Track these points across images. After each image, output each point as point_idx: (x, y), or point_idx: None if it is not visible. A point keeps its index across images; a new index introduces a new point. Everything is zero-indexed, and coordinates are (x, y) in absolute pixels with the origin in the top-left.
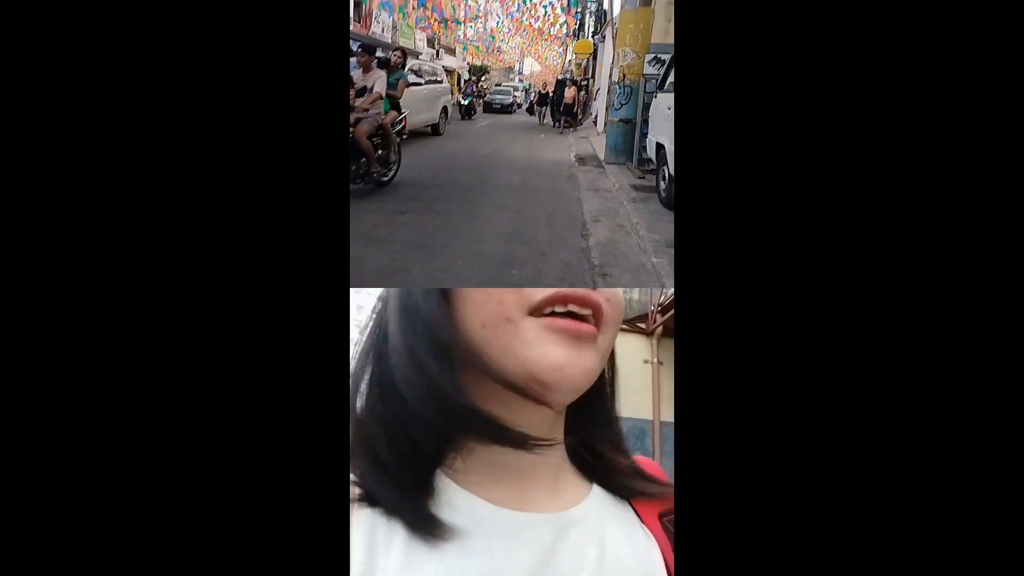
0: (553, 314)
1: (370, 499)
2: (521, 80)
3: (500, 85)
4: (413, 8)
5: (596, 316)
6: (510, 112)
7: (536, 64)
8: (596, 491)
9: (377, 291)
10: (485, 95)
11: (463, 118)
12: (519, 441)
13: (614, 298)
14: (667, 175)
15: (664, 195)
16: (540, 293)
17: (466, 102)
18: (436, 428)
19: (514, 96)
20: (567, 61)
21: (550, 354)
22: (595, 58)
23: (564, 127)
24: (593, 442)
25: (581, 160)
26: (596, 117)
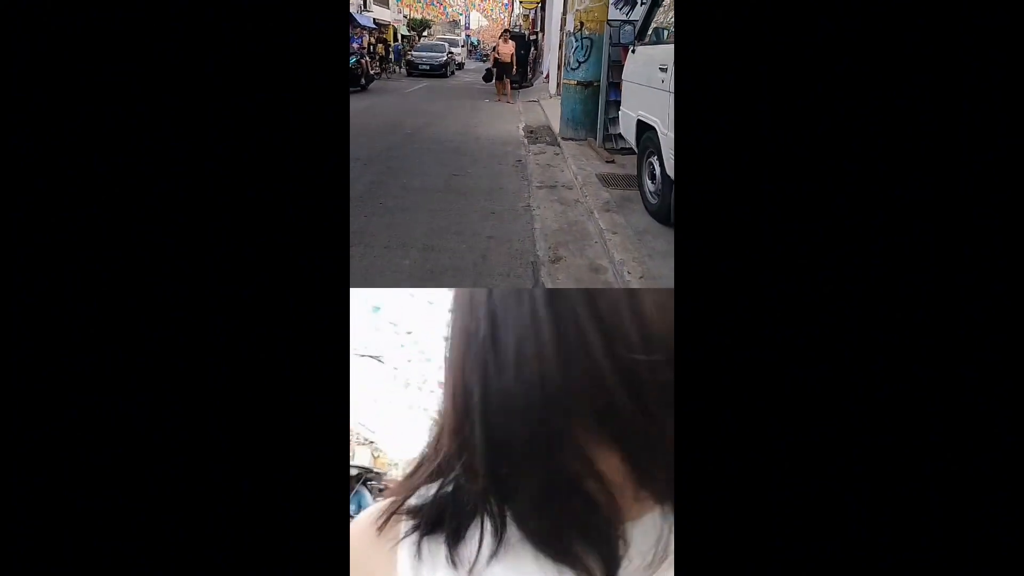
0: None
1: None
2: (468, 35)
3: (427, 38)
4: None
5: None
6: (444, 76)
7: (483, 19)
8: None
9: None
10: (405, 54)
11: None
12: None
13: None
14: (656, 172)
15: (654, 202)
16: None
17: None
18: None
19: (449, 55)
20: (515, 15)
21: None
22: (543, 8)
23: (500, 95)
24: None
25: (532, 134)
26: (548, 75)
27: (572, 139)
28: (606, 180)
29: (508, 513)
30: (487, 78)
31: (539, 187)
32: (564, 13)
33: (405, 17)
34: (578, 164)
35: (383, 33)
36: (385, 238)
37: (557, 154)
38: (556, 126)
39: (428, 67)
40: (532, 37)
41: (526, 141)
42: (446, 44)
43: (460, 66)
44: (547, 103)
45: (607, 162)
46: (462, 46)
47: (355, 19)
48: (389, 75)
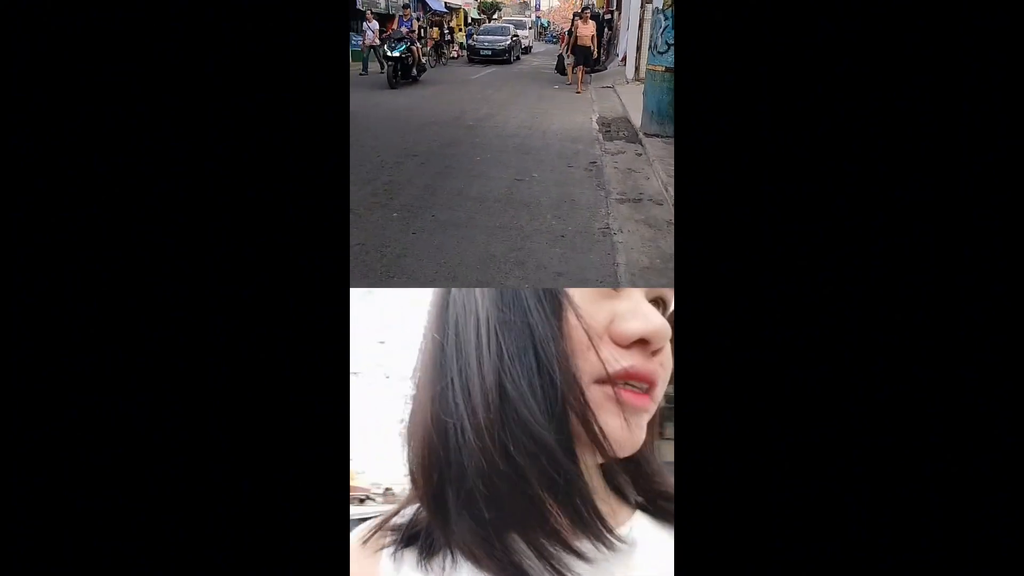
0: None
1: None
2: (537, 16)
3: (490, 21)
4: None
5: (651, 388)
6: (508, 62)
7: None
8: (639, 517)
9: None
10: (454, 39)
11: (391, 85)
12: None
13: (668, 362)
14: None
15: None
16: (611, 363)
17: (394, 53)
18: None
19: (513, 38)
20: None
21: (607, 424)
22: None
23: (571, 81)
24: (632, 473)
25: (607, 128)
26: (625, 57)
27: (657, 136)
28: None
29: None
30: (560, 69)
31: (620, 200)
32: None
33: (477, 1)
34: (667, 170)
35: (444, 17)
36: (432, 268)
37: (640, 155)
38: (637, 119)
39: (490, 52)
40: (607, 16)
41: (601, 137)
42: (511, 27)
43: (527, 50)
44: (624, 90)
45: None
46: (530, 28)
47: (427, 2)
48: (447, 61)
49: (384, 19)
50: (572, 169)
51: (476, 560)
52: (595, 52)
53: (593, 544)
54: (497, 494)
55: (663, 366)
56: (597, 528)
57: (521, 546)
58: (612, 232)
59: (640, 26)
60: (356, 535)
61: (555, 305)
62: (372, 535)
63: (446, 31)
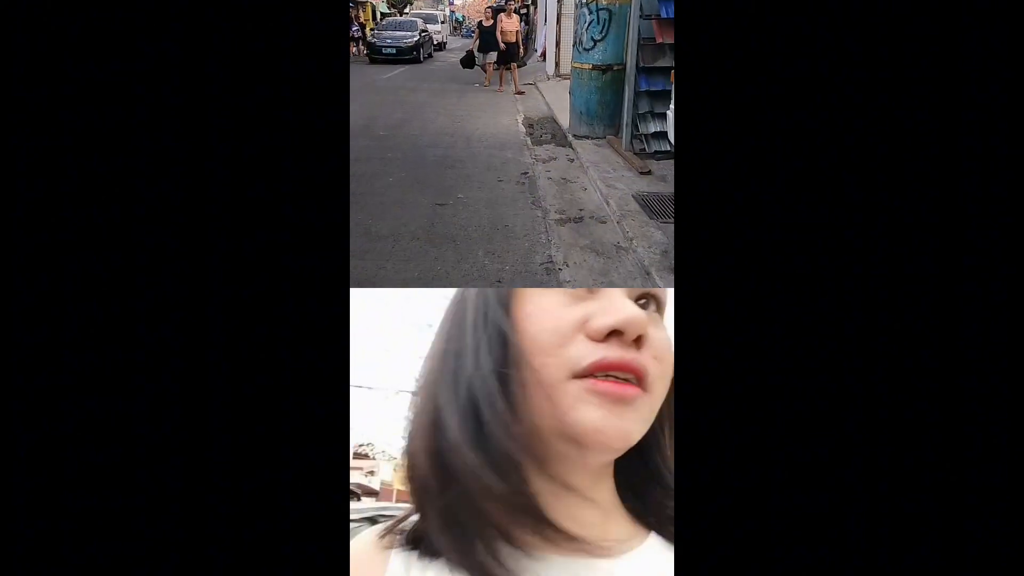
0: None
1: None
2: (452, 11)
3: (392, 15)
4: None
5: (640, 379)
6: (418, 60)
7: None
8: (652, 539)
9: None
10: (365, 36)
11: None
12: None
13: (663, 355)
14: None
15: None
16: (586, 356)
17: None
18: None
19: (423, 33)
20: None
21: (587, 417)
22: None
23: (489, 82)
24: (645, 490)
25: (534, 130)
26: (544, 53)
27: (587, 137)
28: (648, 204)
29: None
30: (467, 63)
31: (559, 221)
32: None
33: None
34: (604, 177)
35: (351, 12)
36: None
37: (572, 160)
38: (564, 120)
39: (394, 50)
40: (523, 9)
41: (529, 141)
42: (418, 21)
43: (440, 46)
44: (546, 87)
45: (642, 173)
46: (443, 22)
47: None
48: (352, 59)
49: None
50: (503, 184)
51: (461, 569)
52: (521, 50)
53: (566, 555)
54: (454, 513)
55: (657, 359)
56: (570, 541)
57: (492, 561)
58: (557, 267)
59: (558, 20)
60: (372, 532)
61: (514, 305)
62: (387, 533)
63: (354, 28)
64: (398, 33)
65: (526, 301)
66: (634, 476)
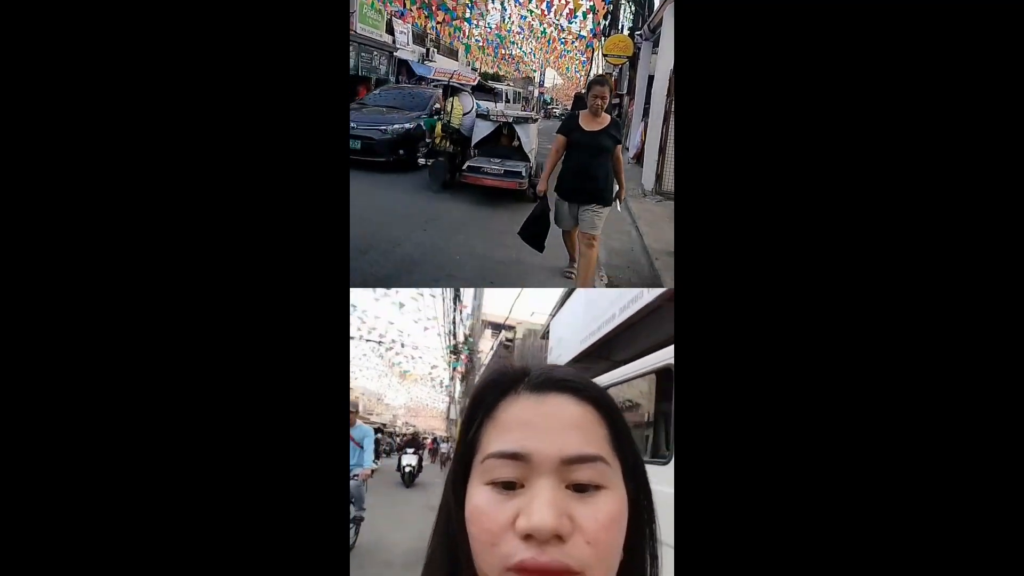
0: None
1: None
2: (541, 93)
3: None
4: None
5: (570, 571)
6: (407, 166)
7: (558, 77)
8: None
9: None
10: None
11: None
12: None
13: (597, 536)
14: None
15: None
16: (513, 555)
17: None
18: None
19: (438, 114)
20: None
21: None
22: (634, 67)
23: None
24: None
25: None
26: (639, 155)
27: None
28: None
29: None
30: (531, 232)
31: None
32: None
33: (475, 71)
34: None
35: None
36: None
37: None
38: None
39: (358, 144)
40: (614, 102)
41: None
42: (433, 92)
43: (534, 119)
44: (642, 210)
45: None
46: (532, 103)
47: (413, 67)
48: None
49: (355, 82)
50: None
51: None
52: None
53: None
54: None
55: (591, 543)
56: None
57: None
58: None
59: (666, 119)
60: None
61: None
62: None
63: (450, 127)
64: (384, 113)
65: (471, 494)
66: None
